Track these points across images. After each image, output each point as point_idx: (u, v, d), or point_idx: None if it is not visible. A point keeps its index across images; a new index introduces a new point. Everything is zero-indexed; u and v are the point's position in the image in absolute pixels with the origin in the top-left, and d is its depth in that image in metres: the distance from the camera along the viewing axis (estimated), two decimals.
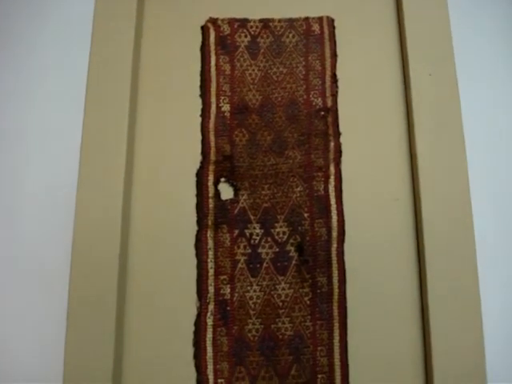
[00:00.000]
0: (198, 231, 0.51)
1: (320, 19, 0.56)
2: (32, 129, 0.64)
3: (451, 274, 0.48)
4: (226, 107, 0.54)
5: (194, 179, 0.52)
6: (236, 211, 0.51)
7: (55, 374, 0.50)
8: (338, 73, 0.54)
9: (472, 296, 0.47)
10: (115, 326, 0.47)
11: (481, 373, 0.46)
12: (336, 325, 0.49)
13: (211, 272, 0.50)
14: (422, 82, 0.52)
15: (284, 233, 0.51)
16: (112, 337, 0.47)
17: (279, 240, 0.51)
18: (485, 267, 0.50)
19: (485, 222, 0.56)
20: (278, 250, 0.50)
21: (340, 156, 0.52)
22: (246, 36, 0.55)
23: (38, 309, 0.58)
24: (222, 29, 0.55)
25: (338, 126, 0.53)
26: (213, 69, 0.54)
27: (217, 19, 0.56)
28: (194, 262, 0.51)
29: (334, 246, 0.50)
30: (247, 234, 0.51)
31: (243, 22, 0.56)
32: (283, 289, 0.50)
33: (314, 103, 0.54)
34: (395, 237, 0.51)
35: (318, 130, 0.53)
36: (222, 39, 0.55)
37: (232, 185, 0.52)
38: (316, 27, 0.55)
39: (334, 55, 0.55)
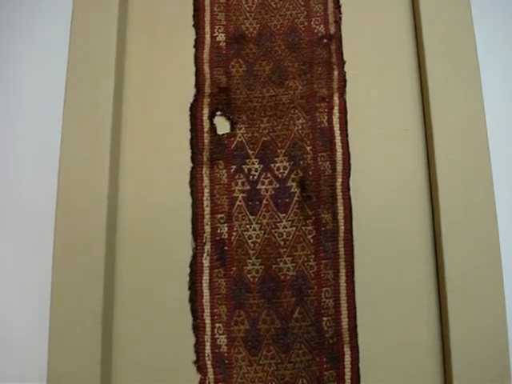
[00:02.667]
0: (193, 168, 0.48)
1: None
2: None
3: (466, 207, 0.44)
4: (221, 37, 0.50)
5: (187, 113, 0.49)
6: (233, 146, 0.48)
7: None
8: None
9: (488, 227, 0.43)
10: (104, 271, 0.44)
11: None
12: (342, 264, 0.45)
13: (207, 211, 0.47)
14: (432, 3, 0.48)
15: (285, 168, 0.47)
16: (101, 281, 0.44)
17: (280, 175, 0.47)
18: (502, 198, 0.46)
19: (502, 152, 0.51)
20: (278, 185, 0.47)
21: (344, 86, 0.48)
22: None
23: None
24: None
25: (341, 53, 0.49)
26: None
27: None
28: (189, 200, 0.47)
29: (339, 180, 0.47)
30: (245, 170, 0.47)
31: None
32: (285, 227, 0.46)
33: (315, 30, 0.50)
34: (405, 170, 0.47)
35: (321, 58, 0.49)
36: None
37: (228, 118, 0.48)
38: None
39: None
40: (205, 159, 0.48)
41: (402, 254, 0.46)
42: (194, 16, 0.51)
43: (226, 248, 0.46)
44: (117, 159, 0.47)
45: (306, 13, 0.50)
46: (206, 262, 0.46)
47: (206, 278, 0.46)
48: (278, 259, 0.46)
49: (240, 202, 0.47)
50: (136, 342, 0.45)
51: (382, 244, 0.46)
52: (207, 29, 0.50)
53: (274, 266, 0.46)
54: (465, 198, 0.44)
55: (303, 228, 0.46)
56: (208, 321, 0.45)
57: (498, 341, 0.42)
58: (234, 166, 0.47)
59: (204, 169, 0.47)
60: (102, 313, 0.44)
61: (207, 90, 0.49)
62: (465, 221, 0.44)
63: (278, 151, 0.47)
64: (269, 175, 0.47)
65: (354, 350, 0.45)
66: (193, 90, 0.49)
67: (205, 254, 0.46)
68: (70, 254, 0.45)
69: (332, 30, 0.50)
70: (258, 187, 0.47)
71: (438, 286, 0.45)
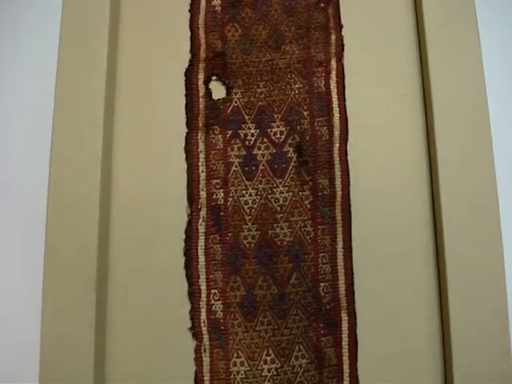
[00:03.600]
0: (188, 133, 0.47)
1: None
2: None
3: (465, 171, 0.44)
4: (216, 1, 0.49)
5: (182, 79, 0.48)
6: (229, 111, 0.47)
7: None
8: None
9: (487, 186, 0.43)
10: (98, 238, 0.44)
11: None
12: (339, 229, 0.45)
13: (203, 176, 0.46)
14: None
15: (281, 133, 0.46)
16: (95, 246, 0.43)
17: (276, 140, 0.46)
18: (502, 165, 0.45)
19: (503, 118, 0.51)
20: (274, 151, 0.46)
21: (342, 50, 0.48)
22: None
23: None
24: None
25: (339, 17, 0.48)
26: None
27: None
28: (184, 166, 0.47)
29: (337, 145, 0.46)
30: (241, 135, 0.46)
31: None
32: (281, 192, 0.45)
33: None
34: (403, 135, 0.46)
35: (318, 22, 0.48)
36: None
37: (224, 83, 0.47)
38: None
39: None
40: (200, 124, 0.47)
41: (401, 220, 0.45)
42: None
43: (221, 214, 0.46)
44: (111, 124, 0.47)
45: None
46: (201, 228, 0.45)
47: (201, 243, 0.45)
48: (275, 225, 0.45)
49: (236, 167, 0.46)
50: (131, 308, 0.45)
51: (379, 209, 0.45)
52: None
53: (270, 232, 0.45)
54: (464, 163, 0.44)
55: (300, 193, 0.46)
56: (203, 287, 0.45)
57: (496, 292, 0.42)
58: (230, 132, 0.47)
59: (199, 134, 0.47)
60: (96, 280, 0.43)
61: (202, 54, 0.48)
62: (463, 181, 0.43)
63: (275, 116, 0.47)
64: (265, 140, 0.46)
65: (351, 315, 0.44)
66: (188, 55, 0.48)
67: (200, 220, 0.45)
68: (64, 222, 0.44)
69: None
70: (254, 152, 0.46)
71: (436, 250, 0.44)
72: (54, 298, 0.43)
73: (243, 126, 0.47)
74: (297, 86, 0.47)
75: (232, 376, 0.44)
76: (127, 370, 0.44)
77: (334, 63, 0.47)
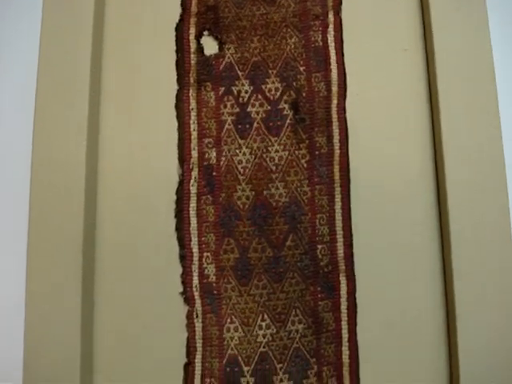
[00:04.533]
0: (179, 90, 0.45)
1: None
2: None
3: (470, 128, 0.42)
4: None
5: (173, 34, 0.45)
6: (221, 67, 0.45)
7: None
8: None
9: (492, 137, 0.41)
10: (85, 197, 0.41)
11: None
12: (337, 189, 0.43)
13: (194, 135, 0.44)
14: None
15: (276, 89, 0.44)
16: (81, 210, 0.41)
17: (271, 97, 0.44)
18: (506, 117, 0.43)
19: (505, 71, 0.48)
20: (269, 108, 0.44)
21: (340, 3, 0.46)
22: None
23: None
24: None
25: None
26: None
27: None
28: (175, 124, 0.44)
29: (335, 102, 0.44)
30: (234, 92, 0.44)
31: None
32: (276, 151, 0.43)
33: None
34: (404, 91, 0.44)
35: None
36: None
37: (216, 38, 0.45)
38: None
39: None
40: (191, 81, 0.45)
41: (401, 180, 0.43)
42: None
43: (214, 174, 0.43)
44: (98, 81, 0.45)
45: None
46: (193, 189, 0.43)
47: (193, 205, 0.43)
48: (270, 185, 0.43)
49: (229, 125, 0.44)
50: (120, 271, 0.43)
51: (379, 169, 0.43)
52: None
53: (265, 192, 0.43)
54: (467, 116, 0.42)
55: (296, 152, 0.43)
56: (195, 250, 0.43)
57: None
58: (223, 88, 0.45)
59: (191, 91, 0.45)
60: (82, 243, 0.41)
61: (194, 8, 0.46)
62: (467, 132, 0.41)
63: (270, 72, 0.45)
64: (260, 97, 0.44)
65: (350, 278, 0.42)
66: (179, 10, 0.46)
67: (192, 181, 0.43)
68: (50, 178, 0.42)
69: None
70: (248, 110, 0.44)
71: (439, 211, 0.42)
72: (40, 270, 0.41)
73: (236, 82, 0.45)
74: (292, 40, 0.45)
75: (225, 342, 0.42)
76: (116, 335, 0.42)
77: (331, 16, 0.45)
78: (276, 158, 0.43)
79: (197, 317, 0.42)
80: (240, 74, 0.45)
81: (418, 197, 0.43)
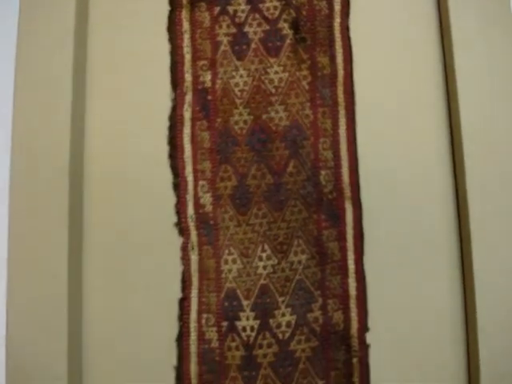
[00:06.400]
0: (171, 12, 0.42)
1: None
2: None
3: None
4: None
5: None
6: None
7: None
8: None
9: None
10: (71, 129, 0.39)
11: None
12: (341, 112, 0.40)
13: (188, 58, 0.41)
14: None
15: (275, 7, 0.41)
16: (67, 139, 0.38)
17: (270, 16, 0.41)
18: None
19: None
20: (268, 27, 0.41)
21: None
22: None
23: None
24: None
25: None
26: None
27: None
28: (167, 47, 0.42)
29: (337, 20, 0.41)
30: (230, 12, 0.41)
31: None
32: (276, 72, 0.40)
33: None
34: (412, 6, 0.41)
35: None
36: None
37: None
38: None
39: None
40: (184, 1, 0.42)
41: (409, 102, 0.40)
42: None
43: (209, 98, 0.41)
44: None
45: None
46: (187, 114, 0.40)
47: (187, 131, 0.40)
48: (269, 108, 0.40)
49: (225, 46, 0.41)
50: (110, 204, 0.40)
51: (386, 89, 0.40)
52: None
53: (264, 116, 0.40)
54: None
55: (297, 73, 0.41)
56: (190, 178, 0.40)
57: None
58: (218, 8, 0.42)
59: (183, 12, 0.42)
60: (69, 176, 0.38)
61: None
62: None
63: None
64: (257, 16, 0.41)
65: (356, 205, 0.39)
66: None
67: (186, 105, 0.41)
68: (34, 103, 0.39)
69: None
70: (246, 30, 0.41)
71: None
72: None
73: (232, 1, 0.42)
74: None
75: (223, 275, 0.39)
76: (108, 271, 0.39)
77: None
78: (275, 80, 0.40)
79: (192, 249, 0.39)
80: None
81: (427, 112, 0.40)
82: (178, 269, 0.39)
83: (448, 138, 0.39)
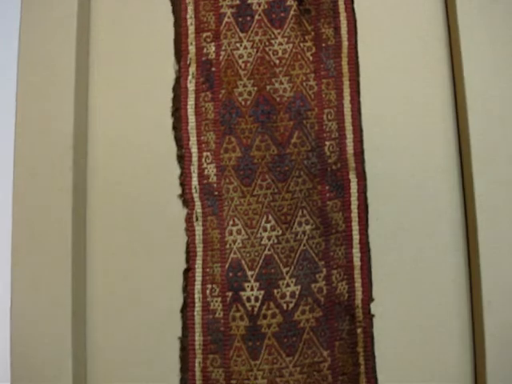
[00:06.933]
0: None
1: None
2: None
3: None
4: None
5: None
6: None
7: None
8: None
9: None
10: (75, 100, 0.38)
11: None
12: (346, 83, 0.40)
13: (191, 29, 0.41)
14: None
15: None
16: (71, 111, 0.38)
17: None
18: None
19: None
20: None
21: None
22: None
23: None
24: None
25: None
26: None
27: None
28: (171, 19, 0.41)
29: None
30: None
31: None
32: (280, 44, 0.40)
33: None
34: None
35: None
36: None
37: None
38: None
39: None
40: None
41: (413, 72, 0.40)
42: None
43: (213, 69, 0.40)
44: None
45: None
46: (191, 86, 0.40)
47: (191, 102, 0.40)
48: (273, 79, 0.40)
49: (229, 18, 0.41)
50: (114, 170, 0.40)
51: (390, 59, 0.40)
52: None
53: (268, 87, 0.40)
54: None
55: (301, 44, 0.40)
56: (194, 149, 0.40)
57: None
58: None
59: None
60: (73, 145, 0.38)
61: None
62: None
63: None
64: None
65: (361, 176, 0.39)
66: None
67: (189, 77, 0.40)
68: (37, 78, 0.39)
69: None
70: (249, 1, 0.41)
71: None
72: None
73: None
74: None
75: (228, 246, 0.39)
76: (111, 242, 0.39)
77: None
78: (279, 52, 0.40)
79: (197, 220, 0.39)
80: None
81: (433, 81, 0.40)
82: (182, 240, 0.39)
83: (453, 104, 0.39)
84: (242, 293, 0.38)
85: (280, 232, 0.39)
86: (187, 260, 0.39)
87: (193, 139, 0.40)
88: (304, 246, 0.38)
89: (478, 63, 0.37)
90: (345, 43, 0.40)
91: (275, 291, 0.38)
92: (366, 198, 0.39)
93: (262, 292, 0.38)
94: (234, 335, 0.38)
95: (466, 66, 0.37)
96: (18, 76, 0.39)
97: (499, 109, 0.37)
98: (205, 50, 0.41)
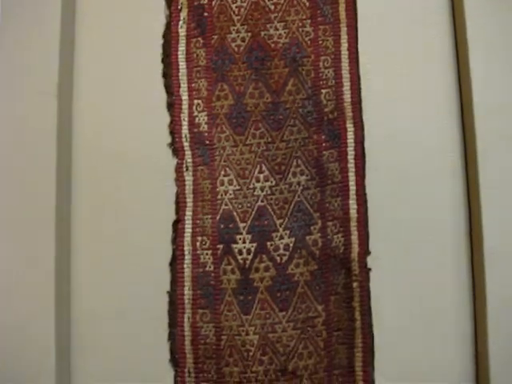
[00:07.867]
0: None
1: None
2: None
3: None
4: None
5: None
6: None
7: None
8: None
9: None
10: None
11: None
12: (343, 29, 0.39)
13: None
14: None
15: None
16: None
17: None
18: None
19: None
20: None
21: None
22: None
23: None
24: None
25: None
26: None
27: None
28: None
29: None
30: None
31: None
32: None
33: None
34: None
35: None
36: None
37: None
38: None
39: None
40: None
41: (413, 18, 0.39)
42: None
43: (205, 14, 0.39)
44: None
45: None
46: (182, 31, 0.39)
47: (182, 48, 0.39)
48: (268, 25, 0.39)
49: None
50: (101, 118, 0.38)
51: (389, 7, 0.39)
52: None
53: (262, 33, 0.38)
54: None
55: None
56: (185, 97, 0.38)
57: None
58: None
59: None
60: (57, 129, 0.36)
61: None
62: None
63: None
64: None
65: (358, 126, 0.38)
66: None
67: (180, 22, 0.39)
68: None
69: None
70: None
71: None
72: None
73: None
74: None
75: (219, 196, 0.37)
76: (98, 193, 0.38)
77: None
78: None
79: (187, 169, 0.37)
80: None
81: (430, 31, 0.38)
82: (172, 191, 0.38)
83: (453, 51, 0.38)
84: (233, 245, 0.37)
85: (274, 183, 0.37)
86: (177, 211, 0.37)
87: (183, 86, 0.38)
88: (298, 197, 0.37)
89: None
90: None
91: (268, 244, 0.37)
92: (363, 148, 0.37)
93: (255, 244, 0.37)
94: (225, 289, 0.36)
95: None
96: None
97: None
98: None
